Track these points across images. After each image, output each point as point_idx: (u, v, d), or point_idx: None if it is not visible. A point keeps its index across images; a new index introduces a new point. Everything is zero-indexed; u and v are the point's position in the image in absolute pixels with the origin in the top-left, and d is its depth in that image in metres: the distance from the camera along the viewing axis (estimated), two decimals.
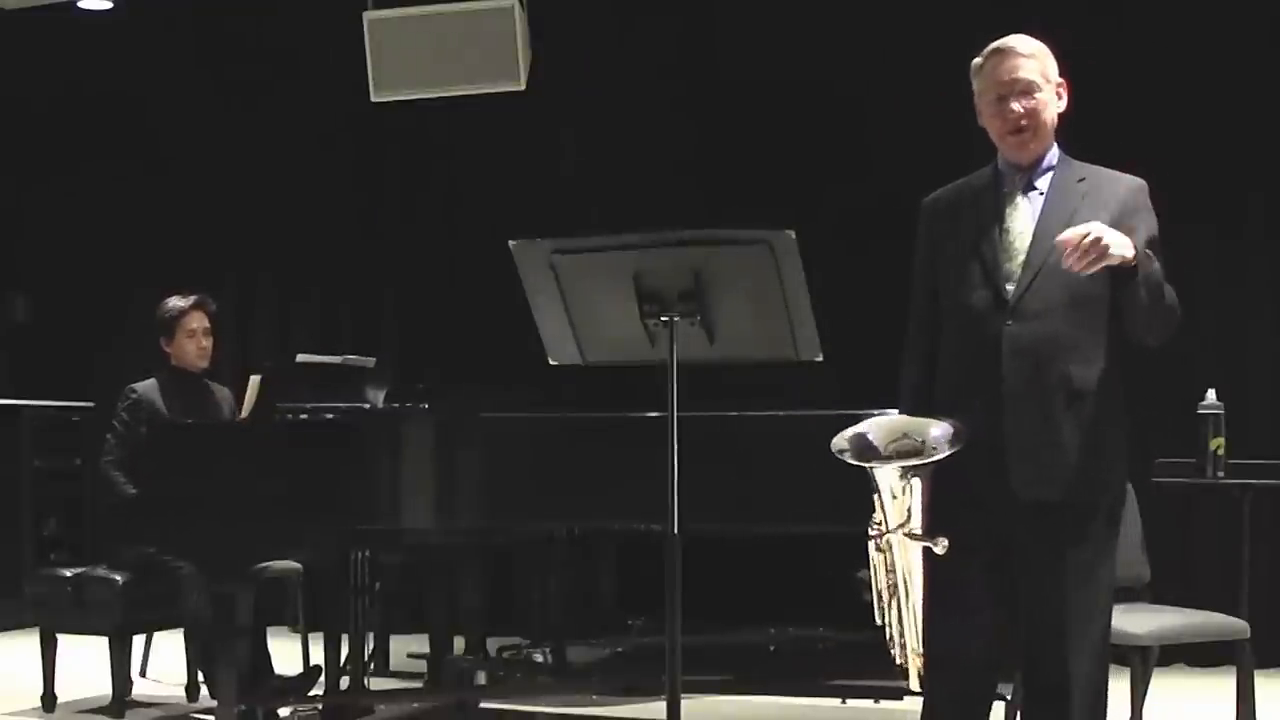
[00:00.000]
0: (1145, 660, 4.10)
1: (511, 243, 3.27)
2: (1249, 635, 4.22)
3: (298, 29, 7.52)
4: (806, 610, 6.18)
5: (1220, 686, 4.64)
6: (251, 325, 7.94)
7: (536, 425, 4.49)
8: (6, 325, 8.28)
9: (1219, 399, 5.15)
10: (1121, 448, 3.19)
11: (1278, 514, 5.78)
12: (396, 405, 5.15)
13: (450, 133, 7.41)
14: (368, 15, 6.57)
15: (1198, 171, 6.36)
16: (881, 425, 3.16)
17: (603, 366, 3.39)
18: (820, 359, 3.32)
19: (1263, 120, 6.30)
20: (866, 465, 3.09)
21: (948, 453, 3.05)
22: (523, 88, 6.45)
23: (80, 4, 7.84)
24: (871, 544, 3.16)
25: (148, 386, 5.42)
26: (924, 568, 3.14)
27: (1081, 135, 6.49)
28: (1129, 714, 4.13)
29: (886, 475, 3.09)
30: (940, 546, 3.05)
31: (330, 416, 4.94)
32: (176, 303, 5.48)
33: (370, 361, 5.49)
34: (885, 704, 4.70)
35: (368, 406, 5.14)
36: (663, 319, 3.21)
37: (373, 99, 6.67)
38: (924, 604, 3.17)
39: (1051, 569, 3.10)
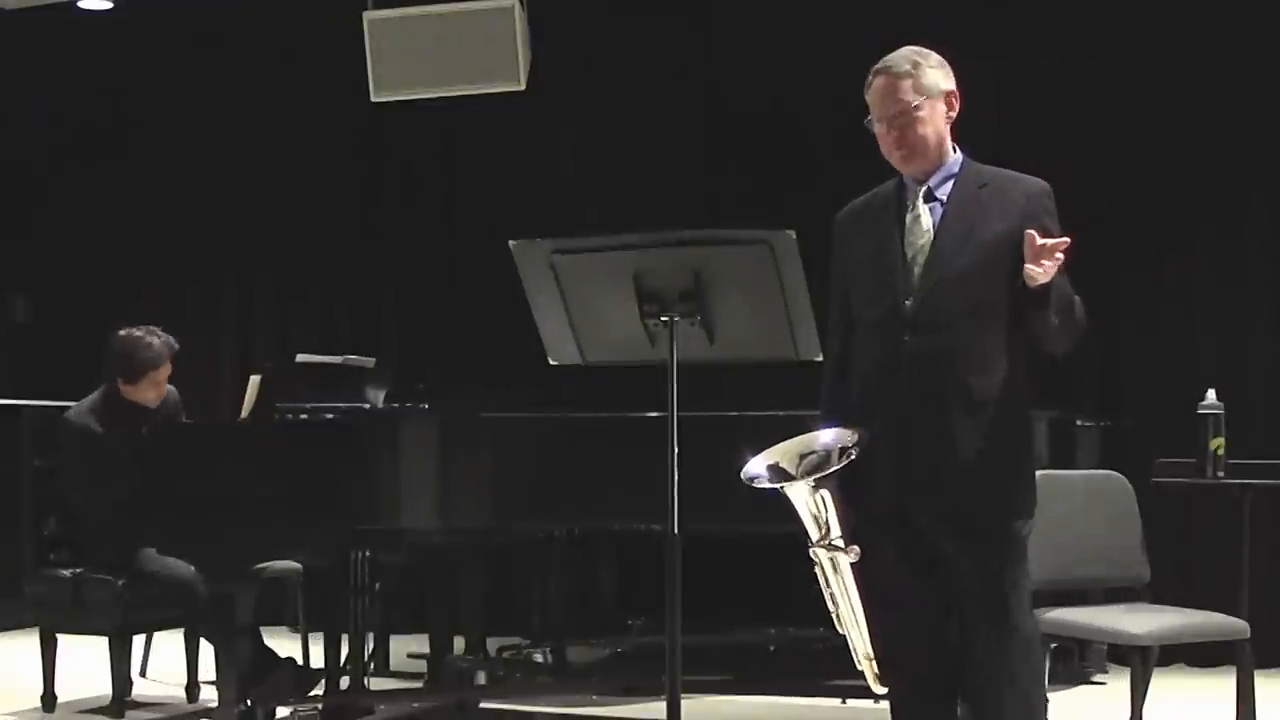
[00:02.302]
0: (1145, 660, 4.10)
1: (511, 243, 3.27)
2: (1249, 635, 4.22)
3: (298, 29, 7.51)
4: (806, 610, 6.15)
5: (1220, 686, 4.64)
6: (251, 325, 7.95)
7: (536, 425, 4.50)
8: (6, 325, 8.28)
9: (1219, 399, 5.16)
10: (1028, 452, 3.21)
11: (1278, 514, 5.78)
12: (396, 405, 5.15)
13: (450, 133, 7.41)
14: (368, 15, 6.57)
15: (1198, 171, 6.37)
16: (781, 450, 3.19)
17: (603, 366, 3.39)
18: (820, 359, 3.33)
19: (1263, 120, 6.30)
20: (778, 486, 3.13)
21: (843, 462, 3.09)
22: (523, 88, 6.45)
23: (80, 4, 7.84)
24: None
25: (81, 414, 5.25)
26: (856, 575, 3.18)
27: (1082, 135, 6.51)
28: (1129, 714, 4.14)
29: (799, 493, 3.13)
30: (852, 555, 3.12)
31: (330, 416, 4.94)
32: (155, 346, 5.21)
33: (370, 361, 5.48)
34: (885, 704, 4.69)
35: (368, 406, 5.13)
36: (663, 319, 3.22)
37: (373, 99, 6.67)
38: (864, 610, 3.22)
39: (956, 574, 3.13)
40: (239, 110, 7.75)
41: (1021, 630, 3.14)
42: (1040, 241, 2.95)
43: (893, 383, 3.14)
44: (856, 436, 3.13)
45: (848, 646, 3.32)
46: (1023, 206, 3.14)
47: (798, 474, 3.13)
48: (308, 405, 4.95)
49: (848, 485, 3.13)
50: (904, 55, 3.24)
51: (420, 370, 6.93)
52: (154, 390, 5.30)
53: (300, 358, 5.46)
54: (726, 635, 6.18)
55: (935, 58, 3.25)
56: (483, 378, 6.62)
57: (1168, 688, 5.07)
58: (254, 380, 5.13)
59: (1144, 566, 4.42)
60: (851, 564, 3.16)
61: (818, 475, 3.11)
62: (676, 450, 3.20)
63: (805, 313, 3.24)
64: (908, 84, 3.20)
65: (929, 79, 3.21)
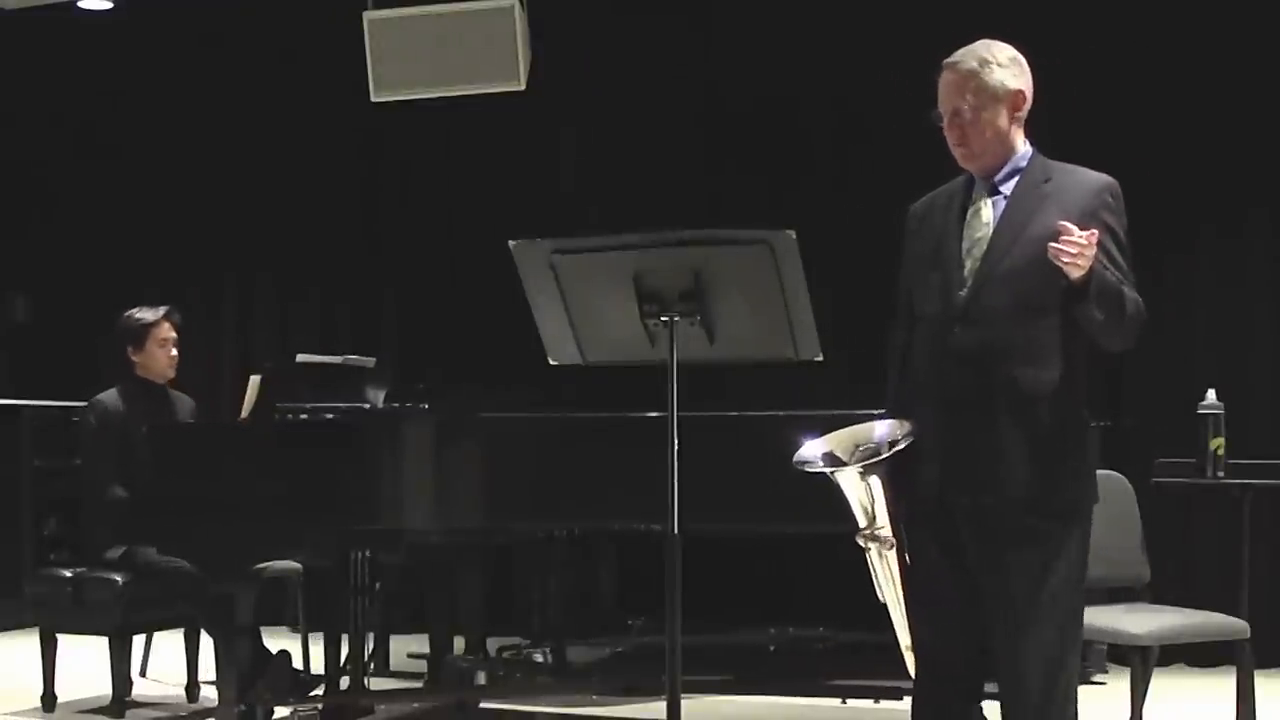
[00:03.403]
0: (1145, 660, 4.10)
1: (511, 243, 3.27)
2: (1249, 635, 4.22)
3: (298, 29, 7.52)
4: (806, 610, 6.18)
5: (1220, 686, 4.64)
6: (251, 325, 7.95)
7: (536, 425, 4.49)
8: (6, 325, 8.28)
9: (1219, 399, 5.16)
10: (1080, 448, 3.16)
11: (1278, 514, 5.78)
12: (396, 405, 5.15)
13: (450, 133, 7.41)
14: (368, 15, 6.57)
15: (1198, 171, 6.37)
16: (836, 438, 3.20)
17: (603, 366, 3.39)
18: (820, 359, 3.33)
19: (1264, 121, 6.30)
20: (828, 471, 3.14)
21: (891, 451, 3.10)
22: (523, 88, 6.45)
23: (80, 4, 7.85)
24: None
25: (110, 396, 5.41)
26: (899, 566, 3.19)
27: (1081, 135, 6.50)
28: (1129, 714, 4.14)
29: (848, 480, 3.14)
30: (888, 546, 3.13)
31: (330, 416, 4.93)
32: (147, 313, 5.47)
33: (370, 361, 5.48)
34: (885, 704, 4.70)
35: (368, 406, 5.13)
36: (663, 319, 3.22)
37: (373, 99, 6.67)
38: (904, 601, 3.22)
39: (996, 570, 3.10)
40: (239, 110, 7.75)
41: (1057, 633, 3.09)
42: (1065, 224, 2.93)
43: (941, 376, 3.14)
44: (908, 428, 3.13)
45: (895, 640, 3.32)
46: (1084, 201, 3.12)
47: (850, 461, 3.13)
48: (308, 405, 4.95)
49: (897, 476, 3.13)
50: (973, 52, 3.20)
51: (420, 370, 6.93)
52: (164, 353, 5.44)
53: (300, 358, 5.46)
54: (726, 635, 6.19)
55: (1007, 55, 3.21)
56: (483, 378, 6.63)
57: (1168, 688, 5.07)
58: (254, 380, 5.14)
59: (1144, 566, 4.42)
60: (895, 555, 3.16)
61: (866, 463, 3.12)
62: (676, 450, 3.20)
63: (805, 313, 3.24)
64: (971, 83, 3.16)
65: (995, 78, 3.17)
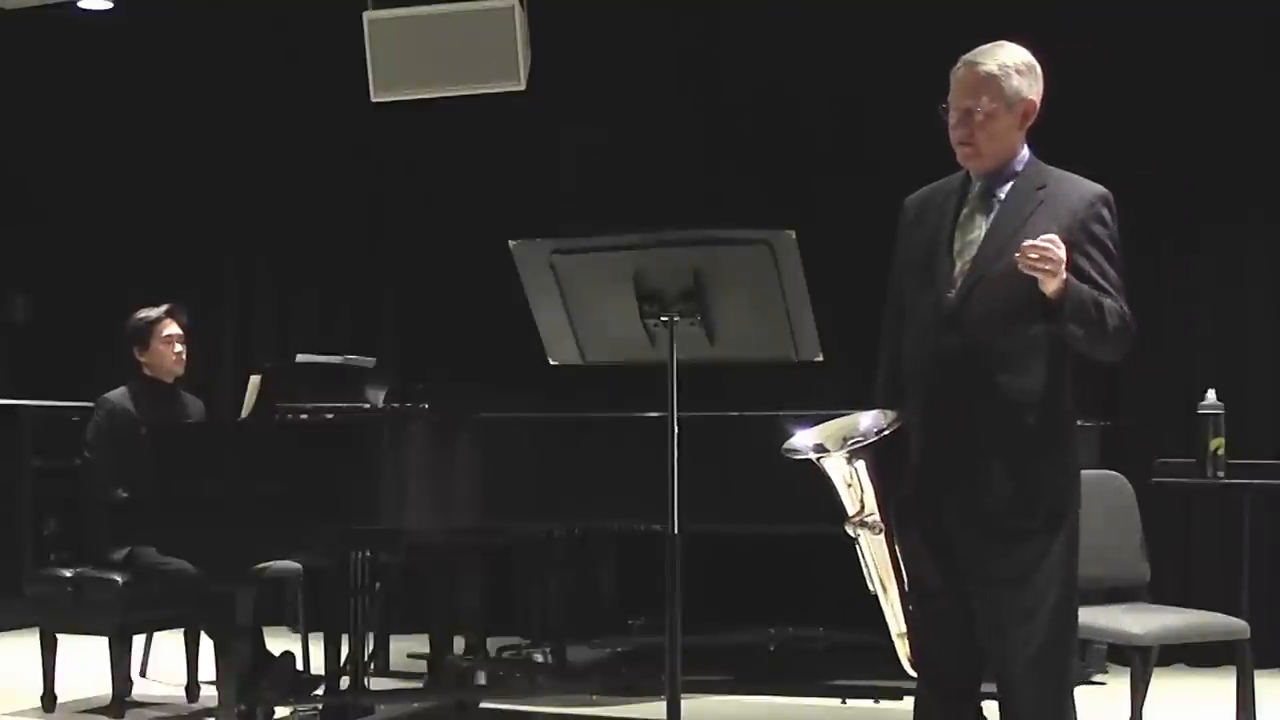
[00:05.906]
0: (1145, 660, 4.10)
1: (511, 243, 3.27)
2: (1249, 635, 4.22)
3: (298, 29, 7.52)
4: (806, 610, 6.18)
5: (1220, 686, 4.64)
6: (251, 325, 7.96)
7: (536, 425, 4.49)
8: (6, 325, 8.28)
9: (1219, 399, 5.16)
10: (1062, 455, 3.16)
11: (1278, 514, 5.78)
12: (396, 405, 5.15)
13: (450, 133, 7.41)
14: (368, 15, 6.56)
15: (1198, 170, 6.37)
16: (824, 430, 3.23)
17: (603, 366, 3.39)
18: (820, 359, 3.33)
19: (1264, 120, 6.30)
20: (815, 458, 3.17)
21: (877, 437, 3.13)
22: (523, 88, 6.44)
23: (80, 4, 7.84)
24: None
25: (119, 395, 5.44)
26: (890, 553, 3.21)
27: (1081, 134, 6.51)
28: (1129, 714, 4.14)
29: (835, 467, 3.18)
30: (876, 531, 3.16)
31: (330, 416, 4.93)
32: (150, 311, 5.50)
33: (370, 361, 5.48)
34: (885, 704, 4.70)
35: (368, 406, 5.13)
36: (663, 319, 3.22)
37: (373, 99, 6.66)
38: (897, 589, 3.23)
39: (980, 578, 3.11)
40: (239, 111, 7.75)
41: (1046, 639, 3.09)
42: (1027, 243, 2.94)
43: (926, 376, 3.15)
44: (893, 416, 3.16)
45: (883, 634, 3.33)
46: (1074, 211, 3.12)
47: (836, 450, 3.16)
48: (308, 405, 4.95)
49: (885, 466, 3.15)
50: (993, 55, 3.18)
51: (420, 370, 6.93)
52: (168, 350, 5.47)
53: (300, 358, 5.47)
54: (726, 635, 6.19)
55: (1025, 62, 3.20)
56: (483, 378, 6.62)
57: (1168, 688, 5.07)
58: (254, 380, 5.14)
59: (1144, 566, 4.42)
60: (885, 541, 3.18)
61: (851, 448, 3.14)
62: (676, 450, 3.20)
63: (805, 313, 3.24)
64: (988, 87, 3.15)
65: (1011, 85, 3.16)
